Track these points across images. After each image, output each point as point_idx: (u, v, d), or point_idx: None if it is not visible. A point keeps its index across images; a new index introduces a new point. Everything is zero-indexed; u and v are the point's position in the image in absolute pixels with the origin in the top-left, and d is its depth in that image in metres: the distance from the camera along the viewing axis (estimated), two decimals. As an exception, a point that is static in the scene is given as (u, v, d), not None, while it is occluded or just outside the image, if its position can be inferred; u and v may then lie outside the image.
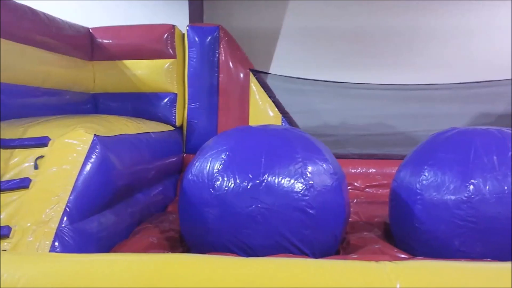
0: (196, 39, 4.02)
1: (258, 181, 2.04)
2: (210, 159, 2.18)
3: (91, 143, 2.27)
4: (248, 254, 2.02)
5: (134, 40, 3.87)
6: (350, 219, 2.72)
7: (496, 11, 4.80)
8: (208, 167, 2.15)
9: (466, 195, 2.05)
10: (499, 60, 4.76)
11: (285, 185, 2.05)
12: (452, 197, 2.08)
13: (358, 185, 3.72)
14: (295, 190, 2.06)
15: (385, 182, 3.60)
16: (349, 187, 3.63)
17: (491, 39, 4.82)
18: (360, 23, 4.94)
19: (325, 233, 2.15)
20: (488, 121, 4.25)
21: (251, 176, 2.05)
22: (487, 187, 2.04)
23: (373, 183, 3.73)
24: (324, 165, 2.20)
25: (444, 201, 2.10)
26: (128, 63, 3.87)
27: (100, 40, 3.84)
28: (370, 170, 3.90)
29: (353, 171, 3.90)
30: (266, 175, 2.05)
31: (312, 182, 2.09)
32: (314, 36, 4.99)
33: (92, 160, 2.22)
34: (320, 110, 4.57)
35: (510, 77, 4.26)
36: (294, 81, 4.46)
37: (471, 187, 2.05)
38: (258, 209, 2.02)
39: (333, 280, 1.16)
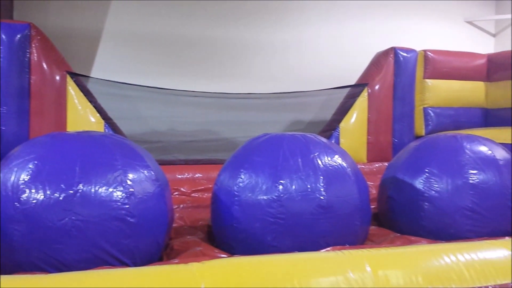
0: (3, 36, 3.58)
1: (71, 192, 1.91)
2: (15, 169, 1.95)
3: None
4: (60, 271, 1.87)
5: None
6: (174, 224, 2.75)
7: (308, 28, 5.43)
8: (12, 179, 1.92)
9: (276, 194, 2.25)
10: (309, 73, 5.38)
11: (102, 194, 1.96)
12: (265, 197, 2.26)
13: (184, 190, 3.77)
14: (114, 199, 1.98)
15: (210, 186, 3.70)
16: (175, 193, 3.66)
17: (303, 54, 5.43)
18: (187, 31, 5.05)
19: (147, 241, 2.12)
20: (299, 128, 4.77)
21: (63, 187, 1.91)
22: (293, 187, 2.27)
23: (199, 188, 3.83)
24: (146, 172, 2.17)
25: (258, 201, 2.27)
26: None
27: None
28: (196, 175, 4.00)
29: (180, 176, 3.95)
30: (81, 185, 1.93)
31: (132, 190, 2.04)
32: (140, 40, 4.92)
33: None
34: (146, 116, 4.53)
35: (318, 89, 4.84)
36: (119, 86, 4.32)
37: (280, 187, 2.26)
38: (72, 221, 1.89)
39: (139, 285, 1.15)
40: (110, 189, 1.98)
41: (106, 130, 3.92)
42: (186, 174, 3.99)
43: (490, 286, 1.66)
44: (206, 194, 3.77)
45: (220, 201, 2.43)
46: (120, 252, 1.99)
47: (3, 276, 1.45)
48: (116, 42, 4.81)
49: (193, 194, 3.78)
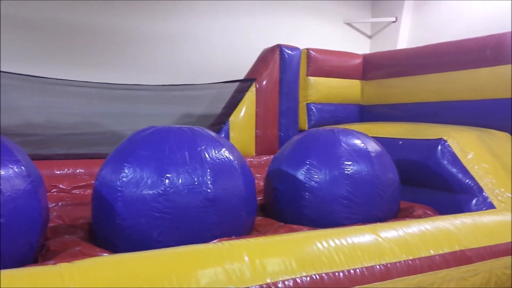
0: None
1: None
2: None
3: None
4: None
5: None
6: (51, 224, 2.57)
7: (198, 21, 5.39)
8: None
9: (162, 188, 2.20)
10: (200, 66, 5.36)
11: (-38, 193, 1.75)
12: (150, 192, 2.20)
13: (63, 187, 3.52)
14: (-23, 198, 1.78)
15: (93, 182, 3.53)
16: (53, 190, 3.42)
17: (194, 47, 5.38)
18: (70, 16, 4.71)
19: (17, 242, 1.95)
20: (189, 121, 4.72)
21: None
22: (180, 180, 2.24)
23: (81, 184, 3.60)
24: (15, 168, 1.99)
25: (142, 196, 2.20)
26: None
27: None
28: (78, 171, 3.76)
29: (58, 172, 3.69)
30: None
31: (-1, 187, 1.85)
32: (12, 23, 4.47)
33: None
34: (20, 107, 4.13)
35: (209, 82, 4.84)
36: (-14, 73, 3.88)
37: (167, 181, 2.22)
38: None
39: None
40: (-28, 188, 1.78)
41: (-29, 122, 3.50)
42: (66, 169, 3.73)
43: (358, 268, 1.82)
44: (88, 191, 3.56)
45: (101, 197, 2.32)
46: (-15, 257, 1.80)
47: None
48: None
49: (73, 191, 3.55)
